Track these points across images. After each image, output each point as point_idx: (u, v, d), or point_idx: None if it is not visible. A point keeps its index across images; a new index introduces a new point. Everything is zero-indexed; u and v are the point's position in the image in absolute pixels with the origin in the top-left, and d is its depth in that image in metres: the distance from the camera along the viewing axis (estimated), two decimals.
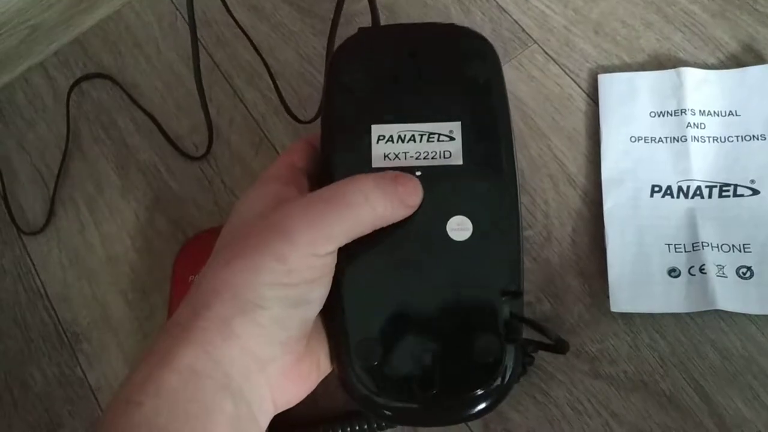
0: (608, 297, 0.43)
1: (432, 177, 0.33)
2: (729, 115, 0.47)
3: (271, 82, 0.49)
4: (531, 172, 0.48)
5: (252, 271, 0.30)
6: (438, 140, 0.34)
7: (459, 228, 0.33)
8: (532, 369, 0.43)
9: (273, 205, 0.32)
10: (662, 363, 0.43)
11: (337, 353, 0.34)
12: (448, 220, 0.33)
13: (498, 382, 0.32)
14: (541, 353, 0.43)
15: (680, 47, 0.50)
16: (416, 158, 0.34)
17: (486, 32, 0.52)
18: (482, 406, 0.32)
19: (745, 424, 0.40)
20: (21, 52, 0.58)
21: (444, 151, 0.34)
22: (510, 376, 0.32)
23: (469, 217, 0.33)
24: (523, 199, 0.48)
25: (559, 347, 0.32)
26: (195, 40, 0.42)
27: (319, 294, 0.32)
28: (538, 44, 0.52)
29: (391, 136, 0.34)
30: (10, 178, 0.55)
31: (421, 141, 0.34)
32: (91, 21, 0.59)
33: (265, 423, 0.31)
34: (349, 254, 0.32)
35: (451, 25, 0.39)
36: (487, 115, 0.35)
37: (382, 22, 0.45)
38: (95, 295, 0.51)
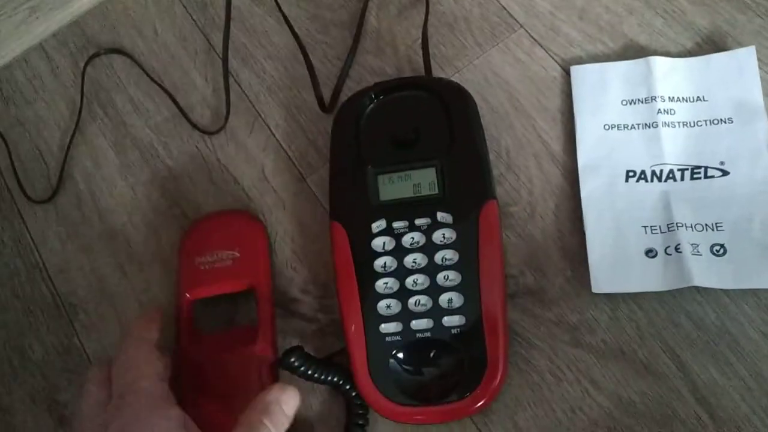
0: (588, 270, 0.45)
1: None
2: (697, 100, 0.49)
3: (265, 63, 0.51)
4: (516, 151, 0.50)
5: None
6: None
7: None
8: (515, 338, 0.45)
9: None
10: (640, 333, 0.44)
11: None
12: None
13: None
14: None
15: (661, 32, 0.51)
16: None
17: (474, 17, 0.54)
18: None
19: (719, 390, 0.42)
20: (20, 33, 0.60)
21: None
22: None
23: None
24: (509, 177, 0.49)
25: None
26: None
27: None
28: (524, 28, 0.53)
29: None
30: (9, 155, 0.56)
31: None
32: (89, 3, 0.60)
33: None
34: None
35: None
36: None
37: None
38: (93, 267, 0.52)
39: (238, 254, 0.47)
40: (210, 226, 0.50)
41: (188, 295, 0.47)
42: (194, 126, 0.55)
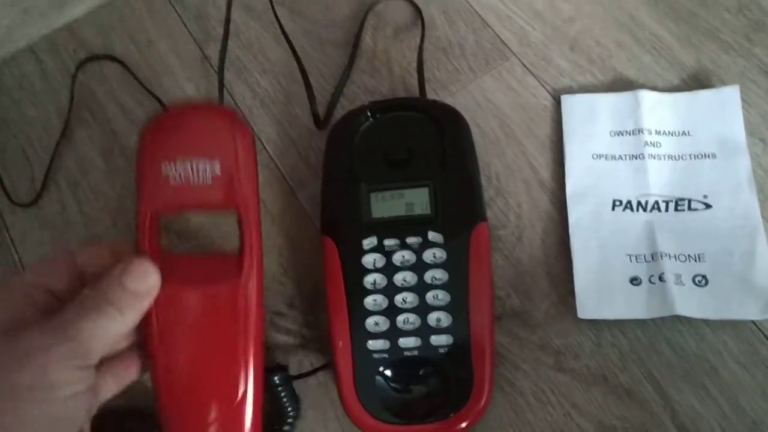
0: (573, 296, 0.46)
1: None
2: (682, 134, 0.51)
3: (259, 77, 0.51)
4: (506, 177, 0.51)
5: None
6: None
7: None
8: (499, 360, 0.45)
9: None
10: (622, 359, 0.45)
11: None
12: None
13: None
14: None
15: (649, 68, 0.53)
16: None
17: (469, 43, 0.55)
18: None
19: (697, 417, 0.43)
20: (12, 34, 0.59)
21: None
22: None
23: None
24: (498, 201, 0.50)
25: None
26: None
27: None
28: (517, 57, 0.55)
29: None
30: None
31: None
32: (83, 8, 0.60)
33: None
34: None
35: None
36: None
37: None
38: None
39: (218, 164, 0.36)
40: (182, 123, 0.37)
41: (150, 208, 0.36)
42: None
